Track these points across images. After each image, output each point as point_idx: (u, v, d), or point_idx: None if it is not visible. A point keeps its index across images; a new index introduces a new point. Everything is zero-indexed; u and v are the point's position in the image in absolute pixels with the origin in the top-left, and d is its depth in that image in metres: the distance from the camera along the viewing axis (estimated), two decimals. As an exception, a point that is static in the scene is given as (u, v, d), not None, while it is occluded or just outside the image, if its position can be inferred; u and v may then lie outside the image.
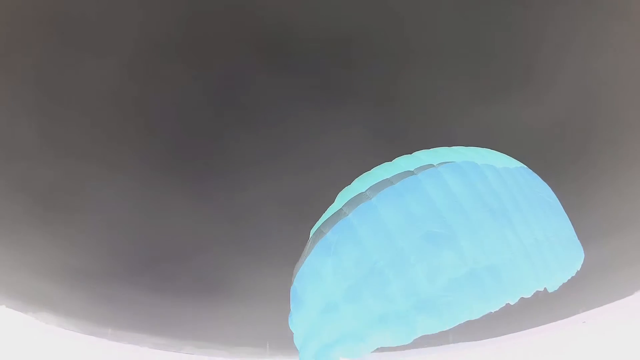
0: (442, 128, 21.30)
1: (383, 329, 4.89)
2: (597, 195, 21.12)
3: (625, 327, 17.29)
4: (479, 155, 6.19)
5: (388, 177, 5.55)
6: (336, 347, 4.99)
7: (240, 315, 20.29)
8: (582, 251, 6.66)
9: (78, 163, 20.42)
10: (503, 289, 5.16)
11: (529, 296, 5.45)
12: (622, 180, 20.47)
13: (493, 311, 5.15)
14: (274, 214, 21.31)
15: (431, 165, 5.61)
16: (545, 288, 5.72)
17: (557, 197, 6.54)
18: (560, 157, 22.04)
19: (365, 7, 20.33)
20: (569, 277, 6.25)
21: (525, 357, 19.05)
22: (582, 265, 6.19)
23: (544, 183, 6.74)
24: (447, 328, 4.93)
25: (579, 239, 6.51)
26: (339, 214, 5.43)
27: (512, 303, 5.24)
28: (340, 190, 5.91)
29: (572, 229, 6.72)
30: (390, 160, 6.00)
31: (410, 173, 5.53)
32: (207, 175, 21.37)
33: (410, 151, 6.15)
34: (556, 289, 5.97)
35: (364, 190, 5.49)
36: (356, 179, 5.92)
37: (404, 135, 20.98)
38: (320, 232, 5.48)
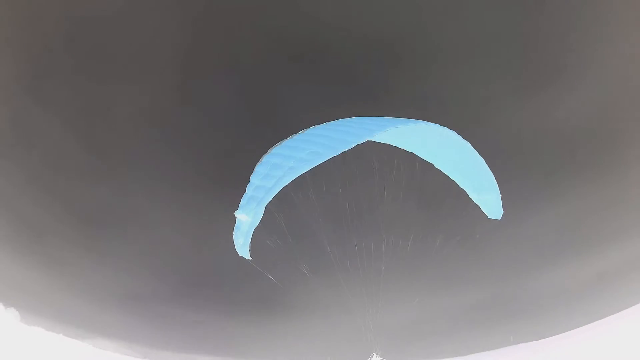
0: (479, 126, 21.64)
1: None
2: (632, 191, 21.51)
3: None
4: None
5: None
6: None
7: (298, 331, 20.10)
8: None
9: (127, 187, 20.33)
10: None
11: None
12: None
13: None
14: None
15: None
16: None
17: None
18: (591, 154, 22.45)
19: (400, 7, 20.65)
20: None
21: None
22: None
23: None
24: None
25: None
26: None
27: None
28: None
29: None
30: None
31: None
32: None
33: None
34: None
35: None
36: None
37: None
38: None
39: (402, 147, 10.14)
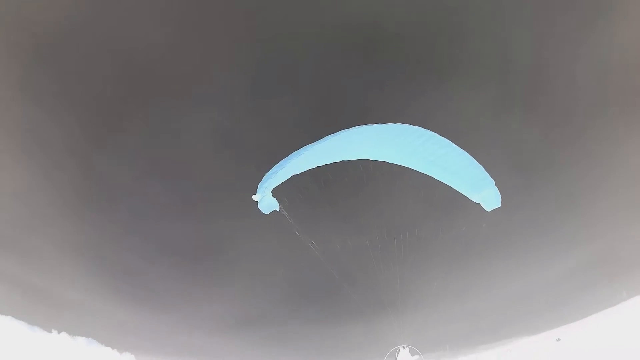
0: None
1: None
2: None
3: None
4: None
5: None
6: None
7: (417, 323, 22.27)
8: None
9: (221, 222, 22.76)
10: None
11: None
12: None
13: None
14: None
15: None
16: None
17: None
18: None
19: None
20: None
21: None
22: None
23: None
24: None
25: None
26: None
27: None
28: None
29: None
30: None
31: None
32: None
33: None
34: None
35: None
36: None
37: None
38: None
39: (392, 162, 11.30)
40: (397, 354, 12.37)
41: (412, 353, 12.41)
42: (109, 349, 21.62)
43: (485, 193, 11.08)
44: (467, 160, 10.75)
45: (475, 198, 11.27)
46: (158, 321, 22.83)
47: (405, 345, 12.26)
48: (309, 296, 23.15)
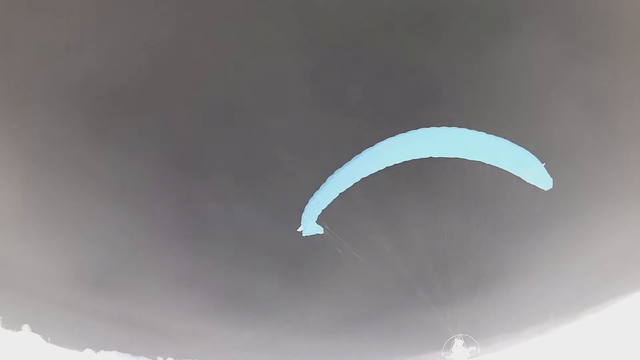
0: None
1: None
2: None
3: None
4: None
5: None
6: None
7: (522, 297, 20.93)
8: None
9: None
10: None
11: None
12: None
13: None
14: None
15: None
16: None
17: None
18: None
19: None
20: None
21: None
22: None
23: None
24: None
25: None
26: None
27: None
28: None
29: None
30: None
31: None
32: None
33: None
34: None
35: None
36: None
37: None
38: None
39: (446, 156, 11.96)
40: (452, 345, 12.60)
41: (468, 343, 12.53)
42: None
43: (534, 173, 11.64)
44: (510, 146, 11.48)
45: (527, 178, 11.85)
46: (261, 337, 22.48)
47: (460, 336, 12.44)
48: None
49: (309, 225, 11.79)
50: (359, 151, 11.60)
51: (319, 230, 11.96)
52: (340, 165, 11.84)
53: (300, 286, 23.15)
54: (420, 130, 11.05)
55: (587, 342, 18.72)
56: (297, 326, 22.56)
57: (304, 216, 11.80)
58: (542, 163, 11.48)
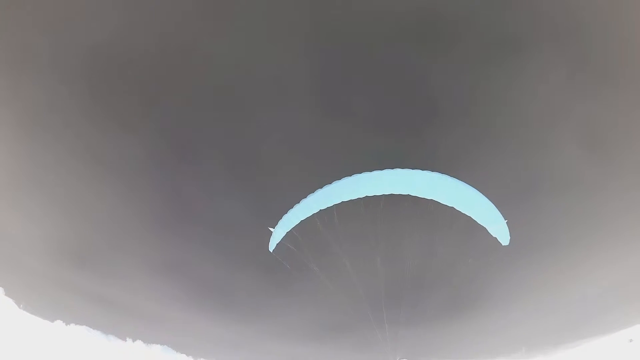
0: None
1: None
2: None
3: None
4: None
5: None
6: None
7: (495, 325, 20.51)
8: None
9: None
10: None
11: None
12: None
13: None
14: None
15: None
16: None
17: None
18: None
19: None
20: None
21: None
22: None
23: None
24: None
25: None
26: None
27: None
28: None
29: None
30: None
31: None
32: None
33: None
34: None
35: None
36: None
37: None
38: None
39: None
40: None
41: None
42: (183, 355, 21.20)
43: (497, 227, 12.24)
44: (481, 199, 11.94)
45: (490, 230, 12.43)
46: (234, 331, 22.29)
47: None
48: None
49: (274, 242, 12.51)
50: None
51: (271, 247, 12.66)
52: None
53: (276, 287, 23.04)
54: (404, 170, 11.56)
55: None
56: (271, 325, 22.38)
57: (275, 230, 12.33)
58: (505, 220, 12.08)
